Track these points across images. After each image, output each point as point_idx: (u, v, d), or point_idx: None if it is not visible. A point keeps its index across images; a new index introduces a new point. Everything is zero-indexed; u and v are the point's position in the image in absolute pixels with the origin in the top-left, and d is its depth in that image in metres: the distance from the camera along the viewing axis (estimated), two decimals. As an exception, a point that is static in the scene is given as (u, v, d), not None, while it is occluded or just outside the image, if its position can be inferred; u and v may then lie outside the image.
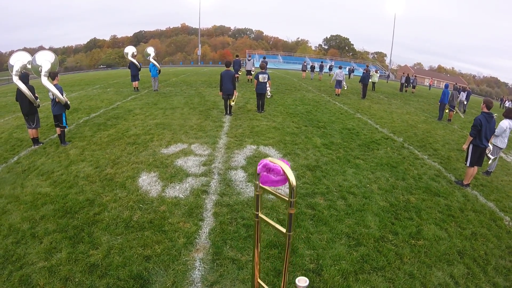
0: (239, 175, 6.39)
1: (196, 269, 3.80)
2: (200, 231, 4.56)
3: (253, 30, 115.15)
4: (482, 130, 6.71)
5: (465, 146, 7.09)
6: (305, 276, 3.68)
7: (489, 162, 8.27)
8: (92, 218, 4.84)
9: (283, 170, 1.25)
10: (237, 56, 24.00)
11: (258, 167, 1.36)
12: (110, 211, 5.02)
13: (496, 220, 5.98)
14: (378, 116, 13.37)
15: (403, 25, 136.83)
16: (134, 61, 17.04)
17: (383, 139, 9.71)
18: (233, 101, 11.22)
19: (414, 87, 30.42)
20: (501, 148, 8.33)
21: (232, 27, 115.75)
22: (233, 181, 6.16)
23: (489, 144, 7.21)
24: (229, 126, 9.95)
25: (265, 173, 1.33)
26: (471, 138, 6.81)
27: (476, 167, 7.11)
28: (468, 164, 6.98)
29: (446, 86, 15.90)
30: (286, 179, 1.25)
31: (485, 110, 6.85)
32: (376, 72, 28.19)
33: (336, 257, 4.12)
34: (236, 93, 11.24)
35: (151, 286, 3.55)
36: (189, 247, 4.19)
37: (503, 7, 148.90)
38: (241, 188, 5.87)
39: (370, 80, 22.76)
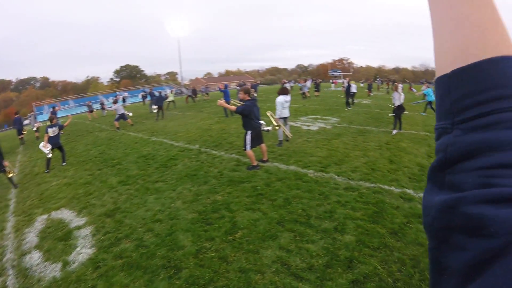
0: (34, 258, 5.12)
1: None
2: None
3: (38, 78, 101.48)
4: (253, 113, 7.21)
5: (220, 102, 7.47)
6: None
7: (279, 134, 9.36)
8: None
9: None
10: (16, 113, 19.70)
11: None
12: None
13: (301, 177, 6.63)
14: (173, 133, 13.26)
15: (189, 41, 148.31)
16: None
17: (180, 152, 9.59)
18: (10, 173, 9.26)
19: (207, 94, 32.53)
20: (286, 117, 9.71)
21: (14, 79, 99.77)
22: (29, 268, 4.88)
23: (261, 121, 7.83)
24: (15, 202, 8.09)
25: None
26: (234, 108, 7.21)
27: (263, 145, 7.71)
28: (248, 149, 7.37)
29: (225, 86, 18.30)
30: None
31: (247, 97, 7.39)
32: (171, 92, 28.36)
33: (159, 297, 3.62)
34: (7, 163, 9.29)
35: None
36: None
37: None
38: (40, 272, 4.70)
39: (167, 100, 23.12)
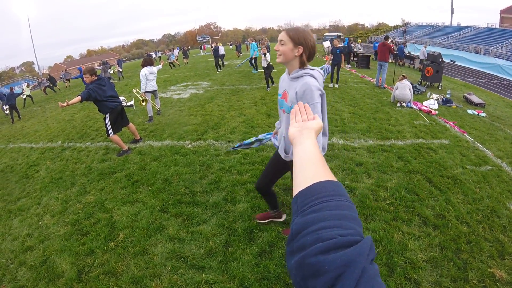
0: None
1: None
2: None
3: None
4: (103, 93, 6.04)
5: (62, 105, 5.56)
6: None
7: (148, 109, 8.88)
8: None
9: None
10: None
11: None
12: None
13: (178, 151, 6.36)
14: (32, 133, 10.46)
15: (43, 24, 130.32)
16: None
17: (41, 155, 7.56)
18: None
19: (68, 80, 28.03)
20: (154, 91, 8.99)
21: None
22: None
23: (120, 98, 7.04)
24: None
25: None
26: (79, 98, 5.75)
27: (130, 125, 6.96)
28: (111, 135, 6.34)
29: (80, 70, 15.34)
30: None
31: (95, 78, 6.09)
32: (27, 86, 23.25)
33: None
34: None
35: None
36: None
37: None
38: None
39: (23, 96, 19.95)
